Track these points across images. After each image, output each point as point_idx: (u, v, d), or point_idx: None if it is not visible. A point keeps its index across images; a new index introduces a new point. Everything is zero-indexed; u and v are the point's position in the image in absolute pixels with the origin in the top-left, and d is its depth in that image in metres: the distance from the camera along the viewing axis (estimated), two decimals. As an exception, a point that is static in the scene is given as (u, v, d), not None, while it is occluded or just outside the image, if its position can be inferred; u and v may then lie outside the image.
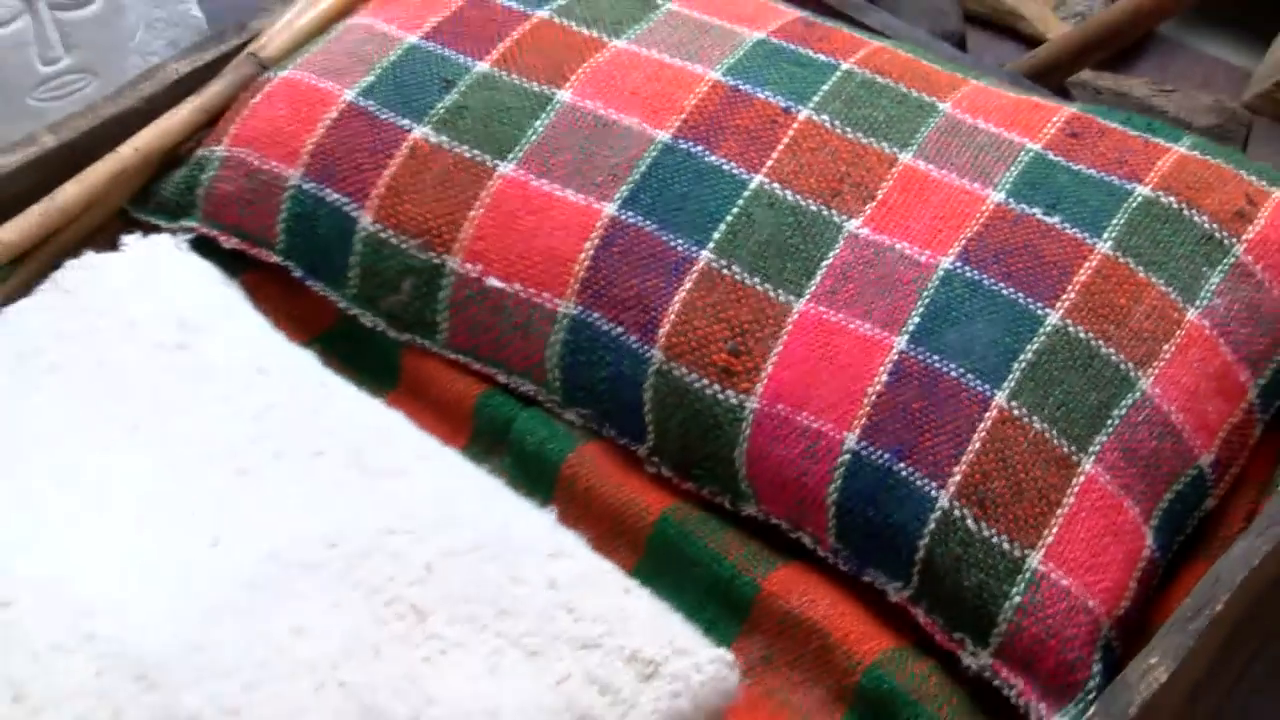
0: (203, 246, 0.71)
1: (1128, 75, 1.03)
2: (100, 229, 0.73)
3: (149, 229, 0.72)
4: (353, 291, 0.70)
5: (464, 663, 0.56)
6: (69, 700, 0.55)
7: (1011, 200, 0.65)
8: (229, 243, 0.72)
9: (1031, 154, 0.66)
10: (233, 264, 0.71)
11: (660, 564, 0.63)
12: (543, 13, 0.74)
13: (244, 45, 0.77)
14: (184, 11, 0.98)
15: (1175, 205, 0.65)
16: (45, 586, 0.58)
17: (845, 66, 0.70)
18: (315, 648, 0.57)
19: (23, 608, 0.57)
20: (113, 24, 0.93)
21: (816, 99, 0.68)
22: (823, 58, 0.71)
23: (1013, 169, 0.66)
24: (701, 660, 0.57)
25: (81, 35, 0.92)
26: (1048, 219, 0.64)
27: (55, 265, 0.69)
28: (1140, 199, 0.65)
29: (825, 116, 0.68)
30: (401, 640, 0.57)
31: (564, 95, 0.69)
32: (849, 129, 0.67)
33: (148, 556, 0.60)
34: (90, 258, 0.69)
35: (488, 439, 0.67)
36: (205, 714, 0.55)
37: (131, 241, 0.70)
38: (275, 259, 0.72)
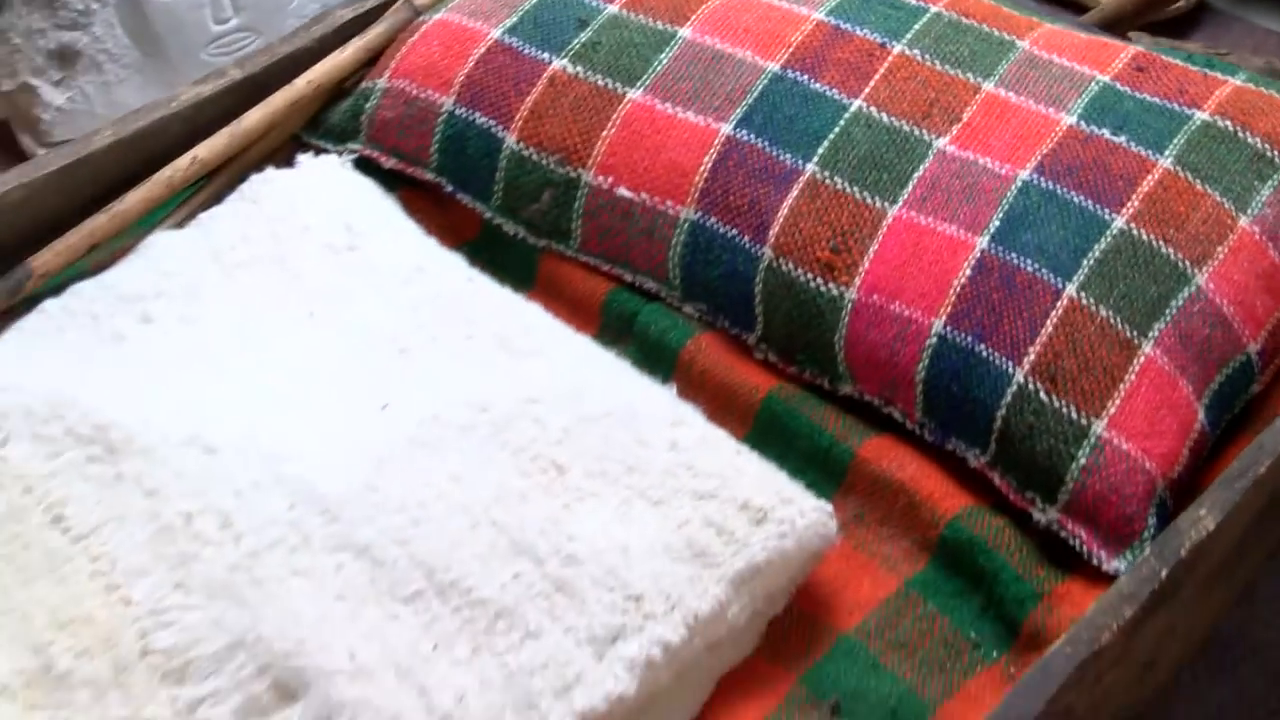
0: (364, 166, 0.78)
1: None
2: (278, 150, 0.81)
3: (319, 151, 0.79)
4: (497, 203, 0.77)
5: (598, 510, 0.62)
6: (266, 528, 0.61)
7: (1082, 122, 0.71)
8: (388, 163, 0.79)
9: (1101, 84, 0.72)
10: (390, 181, 0.78)
11: (766, 435, 0.69)
12: (664, -37, 0.80)
13: (400, -5, 0.84)
14: (335, -23, 1.06)
15: (1231, 128, 0.70)
16: (244, 436, 0.64)
17: (934, 10, 0.77)
18: (470, 493, 0.62)
19: (227, 454, 0.64)
20: (275, -12, 1.00)
21: (909, 36, 0.75)
22: (914, 2, 0.77)
23: (1084, 96, 0.72)
24: (805, 508, 0.62)
25: (249, -2, 1.00)
26: (1115, 138, 0.70)
27: (242, 179, 0.77)
28: (1199, 122, 0.71)
29: (916, 51, 0.74)
30: (544, 490, 0.63)
31: (685, 32, 0.77)
32: (937, 61, 0.74)
33: (327, 416, 0.66)
34: (271, 173, 0.76)
35: (614, 330, 0.74)
36: (378, 543, 0.61)
37: (305, 160, 0.77)
38: (428, 176, 0.78)
